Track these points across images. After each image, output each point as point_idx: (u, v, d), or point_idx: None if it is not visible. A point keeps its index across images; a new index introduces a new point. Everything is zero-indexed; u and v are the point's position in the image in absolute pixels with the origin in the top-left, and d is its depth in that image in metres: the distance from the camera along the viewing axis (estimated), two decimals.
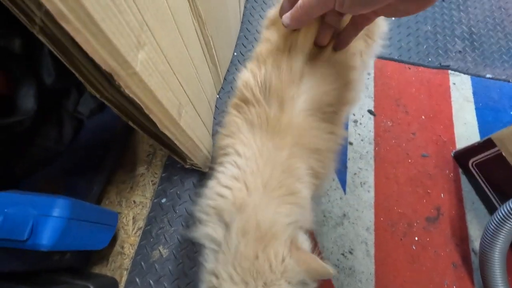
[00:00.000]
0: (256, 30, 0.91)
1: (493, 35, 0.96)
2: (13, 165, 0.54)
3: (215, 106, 0.78)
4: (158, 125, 0.42)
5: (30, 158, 0.56)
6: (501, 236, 0.56)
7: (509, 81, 0.87)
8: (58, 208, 0.36)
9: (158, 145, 0.71)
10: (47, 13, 0.26)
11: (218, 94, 0.80)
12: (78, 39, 0.25)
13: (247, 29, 0.91)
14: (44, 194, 0.38)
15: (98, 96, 0.38)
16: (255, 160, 0.35)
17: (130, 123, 0.45)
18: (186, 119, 0.49)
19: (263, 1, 0.97)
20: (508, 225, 0.55)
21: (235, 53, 0.87)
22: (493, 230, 0.56)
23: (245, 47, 0.88)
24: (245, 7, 0.95)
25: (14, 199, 0.36)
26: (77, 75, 0.34)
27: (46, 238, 0.35)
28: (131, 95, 0.34)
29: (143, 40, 0.33)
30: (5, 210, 0.35)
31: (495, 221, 0.56)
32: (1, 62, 0.42)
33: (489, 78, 0.87)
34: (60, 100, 0.56)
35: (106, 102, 0.39)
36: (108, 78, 0.35)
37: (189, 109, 0.52)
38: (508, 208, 0.54)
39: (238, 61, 0.86)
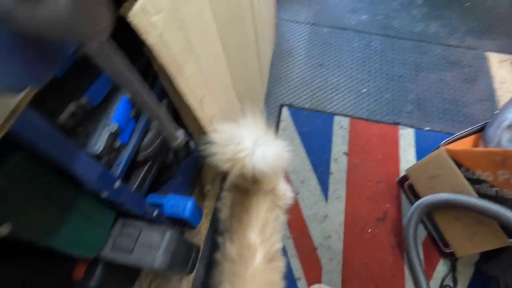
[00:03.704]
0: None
1: (434, 100, 1.42)
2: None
3: None
4: None
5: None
6: (412, 221, 0.99)
7: (441, 132, 1.32)
8: (189, 202, 0.87)
9: (219, 173, 1.22)
10: None
11: None
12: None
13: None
14: (180, 196, 0.89)
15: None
16: None
17: None
18: None
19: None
20: (415, 215, 0.98)
21: None
22: (408, 218, 1.00)
23: None
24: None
25: (171, 198, 0.87)
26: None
27: (187, 215, 0.85)
28: None
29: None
30: (170, 204, 0.86)
31: (409, 214, 1.00)
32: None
33: (428, 130, 1.33)
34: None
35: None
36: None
37: None
38: (414, 207, 0.98)
39: None
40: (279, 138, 0.68)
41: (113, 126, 0.50)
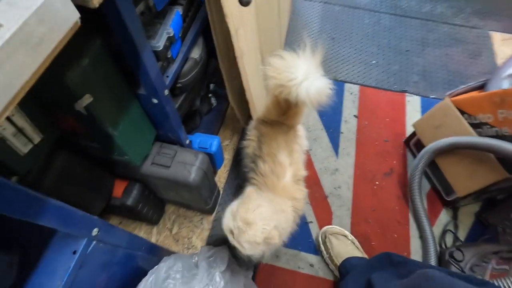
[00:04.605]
0: None
1: (440, 72, 1.51)
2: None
3: None
4: (251, 109, 1.01)
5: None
6: (419, 166, 1.07)
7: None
8: (216, 139, 0.95)
9: (236, 130, 1.31)
10: None
11: None
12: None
13: None
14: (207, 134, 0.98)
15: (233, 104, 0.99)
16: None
17: (234, 106, 1.05)
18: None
19: None
20: (422, 161, 1.06)
21: None
22: (415, 165, 1.08)
23: None
24: None
25: (199, 136, 0.95)
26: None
27: (214, 150, 0.93)
28: (246, 88, 0.93)
29: None
30: (198, 140, 0.95)
31: (416, 160, 1.08)
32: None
33: (433, 98, 1.41)
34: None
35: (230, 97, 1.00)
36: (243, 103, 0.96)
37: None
38: (421, 153, 1.06)
39: None
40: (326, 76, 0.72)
41: (170, 31, 0.59)
